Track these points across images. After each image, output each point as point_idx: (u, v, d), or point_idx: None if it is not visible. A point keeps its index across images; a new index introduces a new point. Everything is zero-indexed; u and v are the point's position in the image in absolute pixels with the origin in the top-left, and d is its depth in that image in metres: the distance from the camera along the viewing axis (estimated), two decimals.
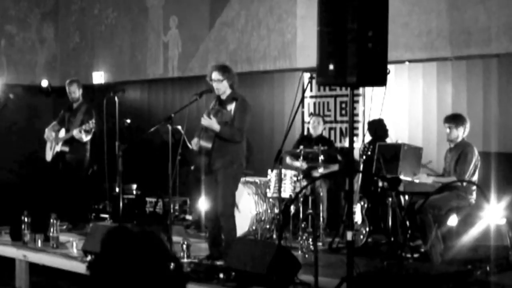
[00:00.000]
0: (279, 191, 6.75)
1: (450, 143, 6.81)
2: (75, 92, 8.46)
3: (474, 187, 6.65)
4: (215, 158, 6.21)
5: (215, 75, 6.25)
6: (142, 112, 10.60)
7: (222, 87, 6.26)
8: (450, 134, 6.77)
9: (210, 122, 6.14)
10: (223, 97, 6.32)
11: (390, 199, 6.77)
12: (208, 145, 6.21)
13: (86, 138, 8.18)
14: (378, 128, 7.89)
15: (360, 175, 6.98)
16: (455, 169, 6.68)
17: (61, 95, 8.64)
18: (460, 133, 6.74)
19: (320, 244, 6.99)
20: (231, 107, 6.24)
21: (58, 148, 8.33)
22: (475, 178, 6.71)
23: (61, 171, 8.38)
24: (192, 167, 6.35)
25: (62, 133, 8.37)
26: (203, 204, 7.48)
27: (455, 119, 6.79)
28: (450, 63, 7.68)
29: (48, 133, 8.54)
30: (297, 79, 7.63)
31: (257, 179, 7.76)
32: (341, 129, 8.62)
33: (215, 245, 6.39)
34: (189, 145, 6.56)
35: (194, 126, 6.55)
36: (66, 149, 8.29)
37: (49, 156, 8.52)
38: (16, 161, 10.59)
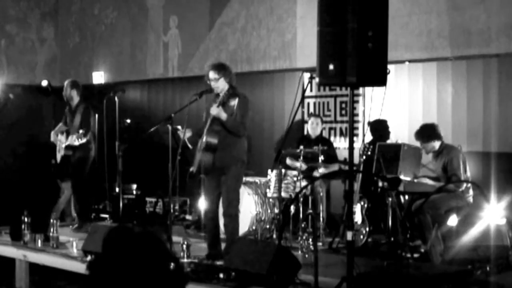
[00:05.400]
0: (279, 191, 6.75)
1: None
2: (72, 98, 8.41)
3: (469, 185, 6.70)
4: (219, 155, 6.21)
5: (212, 74, 6.28)
6: (142, 112, 10.59)
7: (220, 86, 6.28)
8: (425, 149, 6.85)
9: (219, 111, 6.15)
10: (224, 94, 6.32)
11: (390, 199, 6.78)
12: (215, 140, 6.20)
13: (77, 142, 8.04)
14: (380, 128, 7.88)
15: (360, 175, 6.99)
16: (445, 175, 6.74)
17: (61, 95, 8.62)
18: (435, 143, 6.79)
19: (320, 244, 6.98)
20: (234, 103, 6.25)
21: (63, 152, 8.39)
22: (468, 174, 6.83)
23: (69, 173, 8.44)
24: (192, 169, 6.30)
25: (63, 138, 8.41)
26: (203, 203, 7.48)
27: (422, 135, 6.85)
28: (450, 63, 7.67)
29: (54, 136, 8.57)
30: (297, 79, 7.63)
31: (257, 179, 7.77)
32: (341, 129, 8.62)
33: (214, 244, 6.39)
34: (189, 145, 6.55)
35: (194, 126, 6.55)
36: (70, 152, 8.32)
37: (58, 158, 8.57)
38: (16, 161, 10.59)
